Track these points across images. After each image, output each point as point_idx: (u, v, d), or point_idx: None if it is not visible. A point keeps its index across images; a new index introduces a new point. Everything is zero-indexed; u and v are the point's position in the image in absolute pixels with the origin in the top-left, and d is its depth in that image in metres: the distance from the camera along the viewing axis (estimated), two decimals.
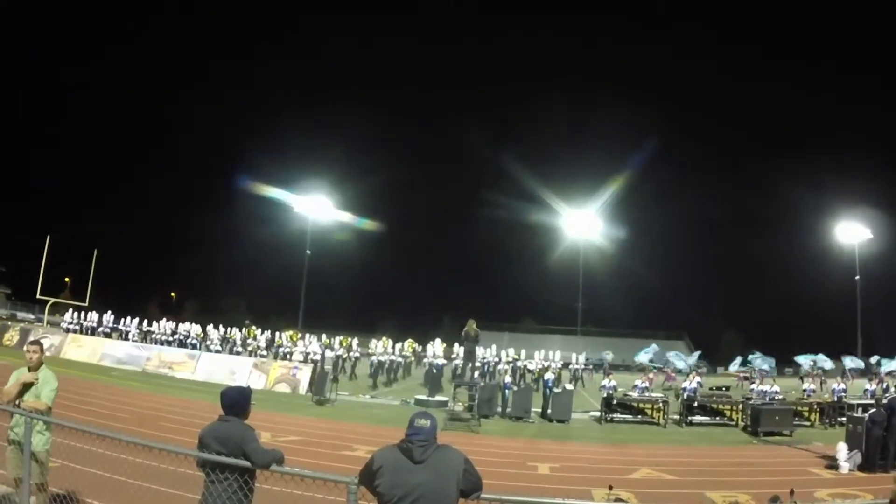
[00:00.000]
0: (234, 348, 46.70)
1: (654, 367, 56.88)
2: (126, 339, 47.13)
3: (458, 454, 5.00)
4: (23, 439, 7.67)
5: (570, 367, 49.64)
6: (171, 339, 47.19)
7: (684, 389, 29.15)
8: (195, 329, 48.64)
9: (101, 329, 49.46)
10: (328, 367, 38.19)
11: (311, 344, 43.84)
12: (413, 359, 50.41)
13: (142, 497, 9.64)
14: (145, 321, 51.16)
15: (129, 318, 50.62)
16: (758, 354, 49.41)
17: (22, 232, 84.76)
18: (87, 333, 47.70)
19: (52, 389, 8.19)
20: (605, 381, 29.82)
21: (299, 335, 47.97)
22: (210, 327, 49.17)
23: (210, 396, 23.87)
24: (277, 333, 49.83)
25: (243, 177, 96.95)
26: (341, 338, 47.96)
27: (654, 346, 54.54)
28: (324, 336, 47.50)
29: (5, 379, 8.26)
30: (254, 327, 50.72)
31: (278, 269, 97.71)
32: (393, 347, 45.44)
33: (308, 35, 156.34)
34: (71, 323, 51.59)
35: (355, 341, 50.16)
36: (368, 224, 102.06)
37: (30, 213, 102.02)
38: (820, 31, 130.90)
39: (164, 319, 51.00)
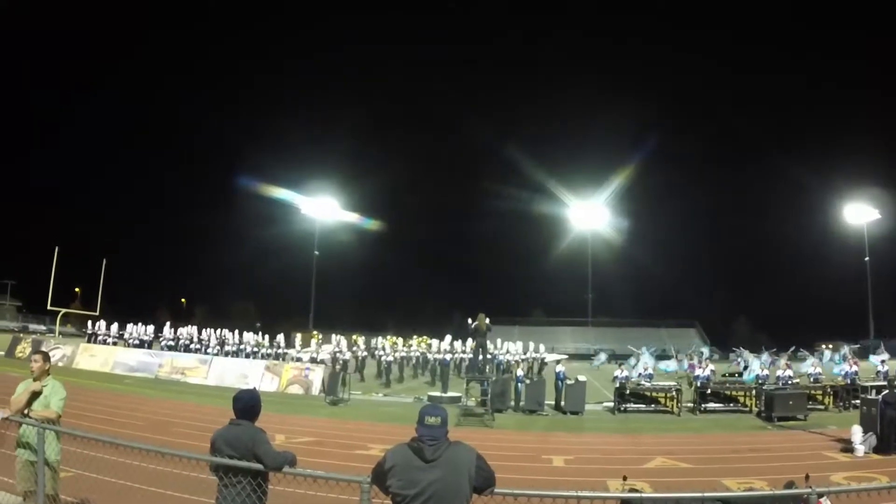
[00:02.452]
0: (251, 351, 46.89)
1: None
2: (187, 349, 46.58)
3: (469, 451, 4.98)
4: (33, 450, 7.69)
5: (530, 356, 49.50)
6: (232, 349, 47.33)
7: (697, 377, 29.10)
8: (252, 338, 48.65)
9: (165, 341, 48.87)
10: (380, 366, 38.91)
11: (385, 346, 44.51)
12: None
13: (156, 503, 9.66)
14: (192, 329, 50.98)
15: (192, 329, 50.59)
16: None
17: (30, 244, 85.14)
18: (133, 345, 47.63)
19: (60, 399, 8.19)
20: (618, 372, 29.82)
21: (360, 337, 48.38)
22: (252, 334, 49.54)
23: (222, 401, 23.92)
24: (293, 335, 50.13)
25: (249, 179, 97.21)
26: (389, 338, 48.24)
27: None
28: (380, 338, 47.75)
29: (14, 390, 8.26)
30: (315, 332, 50.85)
31: (286, 271, 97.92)
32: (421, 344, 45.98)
33: (314, 38, 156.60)
34: (95, 333, 51.48)
35: (401, 341, 50.55)
36: (375, 223, 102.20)
37: (37, 225, 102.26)
38: (822, 23, 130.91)
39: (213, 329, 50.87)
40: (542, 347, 50.77)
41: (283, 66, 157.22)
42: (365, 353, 45.53)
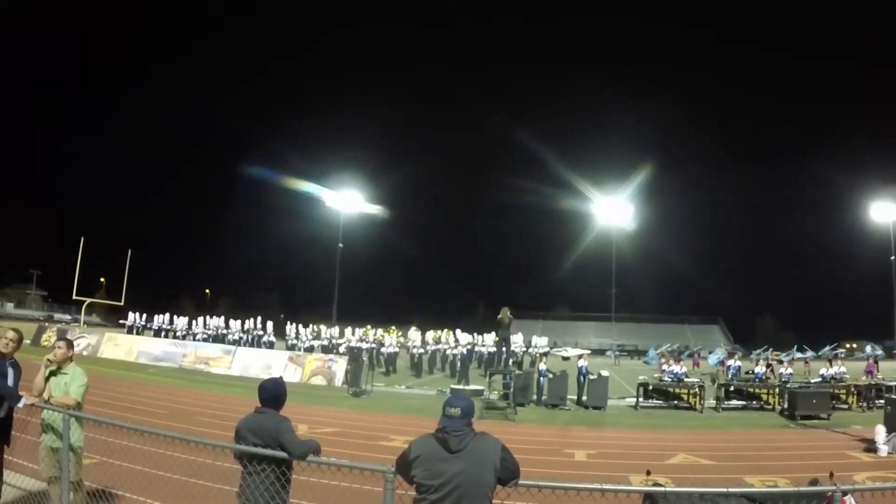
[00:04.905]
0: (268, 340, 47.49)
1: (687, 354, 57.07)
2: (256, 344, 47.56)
3: (494, 442, 4.98)
4: (55, 437, 7.77)
5: (531, 350, 49.74)
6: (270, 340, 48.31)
7: (728, 366, 29.29)
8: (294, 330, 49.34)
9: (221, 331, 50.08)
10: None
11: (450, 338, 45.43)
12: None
13: (179, 490, 9.71)
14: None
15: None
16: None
17: (57, 235, 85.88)
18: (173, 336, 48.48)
19: (80, 385, 8.23)
20: (676, 368, 30.03)
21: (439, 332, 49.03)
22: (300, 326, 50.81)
23: (246, 391, 24.04)
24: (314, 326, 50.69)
25: (274, 173, 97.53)
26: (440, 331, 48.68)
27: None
28: (455, 331, 48.24)
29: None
30: (393, 328, 51.42)
31: (310, 264, 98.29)
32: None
33: (340, 40, 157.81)
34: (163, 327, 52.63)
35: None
36: (399, 216, 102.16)
37: (64, 217, 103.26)
38: (846, 23, 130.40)
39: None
40: (536, 340, 51.09)
41: (309, 66, 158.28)
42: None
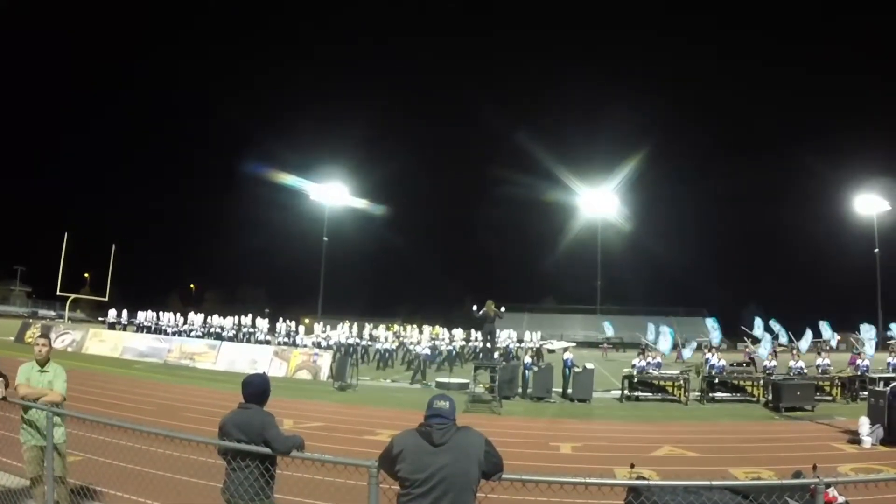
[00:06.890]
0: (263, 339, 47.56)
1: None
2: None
3: (478, 436, 4.99)
4: (38, 435, 7.73)
5: (523, 345, 50.00)
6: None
7: (711, 365, 29.09)
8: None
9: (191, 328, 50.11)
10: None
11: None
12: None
13: (164, 487, 9.70)
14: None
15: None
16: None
17: (40, 230, 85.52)
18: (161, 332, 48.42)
19: (64, 381, 8.22)
20: (712, 357, 29.95)
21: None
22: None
23: (231, 386, 23.98)
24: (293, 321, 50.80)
25: (260, 166, 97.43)
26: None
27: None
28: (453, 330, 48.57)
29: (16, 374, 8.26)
30: (397, 325, 51.82)
31: (297, 257, 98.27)
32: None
33: (326, 30, 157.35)
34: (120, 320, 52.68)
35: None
36: (385, 210, 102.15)
37: (47, 212, 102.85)
38: (835, 12, 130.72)
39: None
40: (530, 335, 51.26)
41: (295, 57, 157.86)
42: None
